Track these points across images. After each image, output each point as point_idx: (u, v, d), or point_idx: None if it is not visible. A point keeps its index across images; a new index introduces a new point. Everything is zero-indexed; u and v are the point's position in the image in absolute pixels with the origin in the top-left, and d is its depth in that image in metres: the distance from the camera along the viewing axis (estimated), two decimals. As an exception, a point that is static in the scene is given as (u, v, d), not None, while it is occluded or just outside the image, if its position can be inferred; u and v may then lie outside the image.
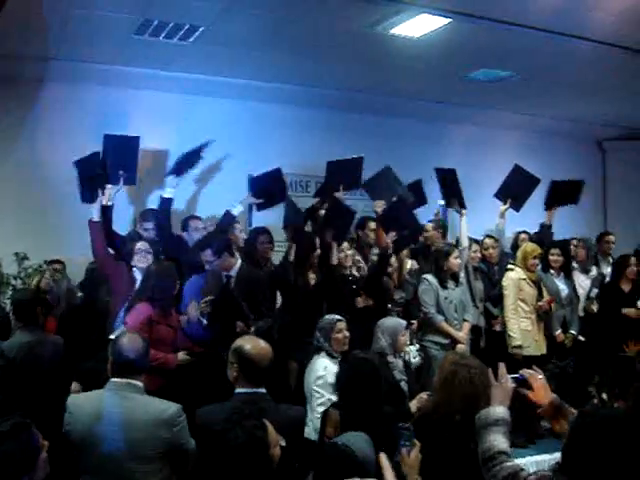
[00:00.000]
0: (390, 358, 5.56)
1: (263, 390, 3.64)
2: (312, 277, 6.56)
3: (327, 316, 5.52)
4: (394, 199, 7.40)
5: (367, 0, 5.83)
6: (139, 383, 3.67)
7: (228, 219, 7.12)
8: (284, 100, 8.69)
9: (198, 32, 6.58)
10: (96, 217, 6.17)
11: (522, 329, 7.24)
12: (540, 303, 7.38)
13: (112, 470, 3.44)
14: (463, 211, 7.64)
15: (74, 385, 4.72)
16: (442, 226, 8.25)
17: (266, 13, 6.15)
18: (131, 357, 3.65)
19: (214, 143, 7.71)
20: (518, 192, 8.00)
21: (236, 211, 7.18)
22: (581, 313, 7.99)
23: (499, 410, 2.91)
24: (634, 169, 11.05)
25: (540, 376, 3.25)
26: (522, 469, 2.70)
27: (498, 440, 2.80)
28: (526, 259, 7.39)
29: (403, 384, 5.57)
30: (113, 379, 3.66)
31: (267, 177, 7.44)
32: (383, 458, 2.44)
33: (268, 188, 7.41)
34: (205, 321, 5.75)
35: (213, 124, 8.22)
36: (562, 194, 8.33)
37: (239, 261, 6.10)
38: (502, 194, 8.08)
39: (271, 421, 2.93)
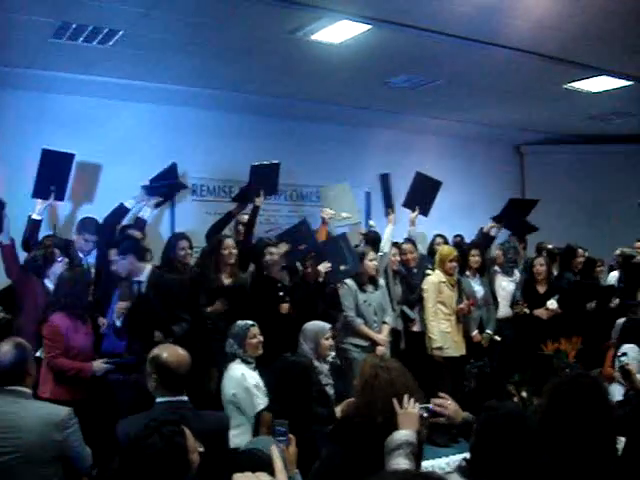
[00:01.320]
0: (315, 362, 5.54)
1: (184, 397, 3.61)
2: (227, 280, 6.52)
3: (239, 322, 5.45)
4: (343, 215, 7.56)
5: (287, 6, 5.84)
6: (23, 389, 3.69)
7: (120, 211, 7.04)
8: (205, 105, 8.66)
9: (117, 36, 6.47)
10: (6, 240, 6.00)
11: (442, 331, 7.36)
12: (461, 306, 7.51)
13: (6, 477, 3.42)
14: (391, 217, 7.81)
15: None
16: None
17: (186, 17, 6.09)
18: (6, 365, 3.66)
19: (136, 150, 7.65)
20: (424, 198, 8.25)
21: (129, 204, 7.09)
22: (501, 314, 8.15)
23: (402, 434, 3.04)
24: (551, 172, 11.36)
25: (449, 401, 3.42)
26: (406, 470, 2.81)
27: (399, 463, 2.92)
28: (443, 262, 7.51)
29: (329, 388, 5.57)
30: None
31: (163, 174, 7.51)
32: (274, 450, 2.48)
33: (164, 185, 7.47)
34: (119, 323, 5.65)
35: (134, 129, 8.15)
36: (517, 211, 8.63)
37: (149, 266, 6.00)
38: (409, 202, 8.30)
39: (193, 429, 2.91)
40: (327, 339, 5.67)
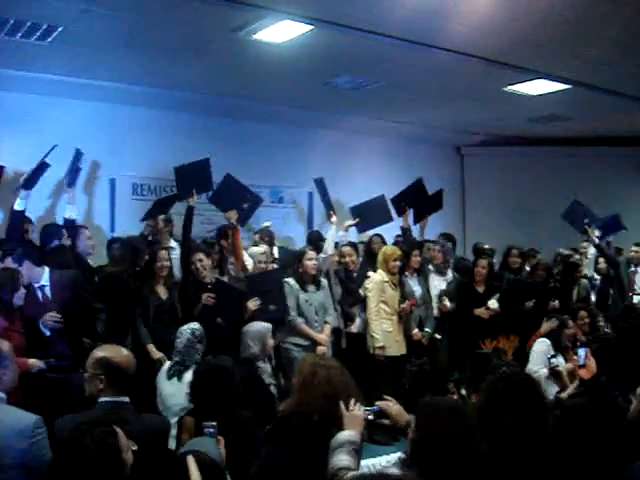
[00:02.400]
0: (260, 363, 5.56)
1: (126, 399, 3.58)
2: (163, 291, 6.49)
3: (193, 325, 5.39)
4: (245, 205, 7.48)
5: (229, 5, 5.82)
6: None
7: (17, 218, 6.85)
8: (146, 103, 8.59)
9: (56, 32, 6.38)
10: None
11: (384, 330, 7.38)
12: (403, 305, 7.55)
13: None
14: (333, 219, 7.81)
15: None
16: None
17: (126, 15, 6.03)
18: None
19: (73, 148, 7.52)
20: (370, 218, 8.24)
21: (18, 206, 6.85)
22: (436, 313, 8.20)
23: (345, 434, 3.09)
24: (490, 173, 11.55)
25: (391, 403, 3.48)
26: (362, 474, 2.87)
27: (341, 459, 2.97)
28: (387, 262, 7.53)
29: (272, 388, 5.59)
30: None
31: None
32: (190, 460, 2.50)
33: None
34: (48, 332, 5.57)
35: (73, 127, 8.04)
36: (424, 205, 8.69)
37: (46, 269, 5.87)
38: (356, 211, 8.28)
39: (134, 430, 2.88)
40: (271, 339, 5.70)
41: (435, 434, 2.87)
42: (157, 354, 6.08)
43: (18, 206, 6.83)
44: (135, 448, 2.61)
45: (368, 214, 8.27)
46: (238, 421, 3.84)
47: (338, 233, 8.09)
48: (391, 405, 3.47)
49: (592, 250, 9.30)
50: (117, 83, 7.97)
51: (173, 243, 7.47)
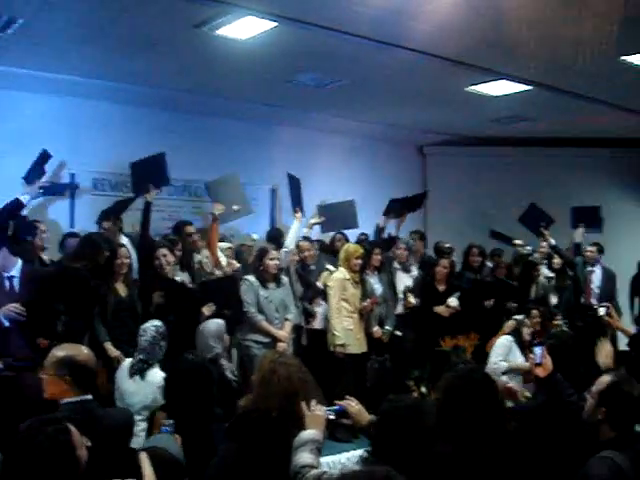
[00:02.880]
0: (223, 361, 5.58)
1: (90, 397, 3.54)
2: (122, 289, 6.43)
3: (155, 323, 5.36)
4: (234, 207, 7.51)
5: (192, 0, 5.80)
6: None
7: (16, 206, 6.85)
8: (107, 98, 8.50)
9: (17, 24, 6.27)
10: None
11: (345, 328, 7.41)
12: (365, 303, 7.58)
13: None
14: (298, 215, 7.87)
15: None
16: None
17: (89, 7, 5.96)
18: None
19: (36, 142, 7.43)
20: (337, 220, 8.31)
21: (24, 199, 6.90)
22: (401, 310, 8.24)
23: (308, 433, 3.14)
24: (452, 173, 11.63)
25: (354, 403, 3.55)
26: (325, 472, 2.95)
27: (303, 457, 3.02)
28: (349, 260, 7.57)
29: (234, 385, 5.58)
30: None
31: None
32: (143, 457, 2.50)
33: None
34: (7, 323, 5.50)
35: (32, 121, 7.94)
36: (405, 205, 8.84)
37: (20, 261, 5.83)
38: (323, 210, 8.33)
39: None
40: (225, 333, 5.71)
41: (394, 432, 2.90)
42: (114, 352, 6.04)
43: (23, 198, 6.88)
44: (89, 444, 2.59)
45: (335, 216, 8.32)
46: (213, 418, 3.85)
47: (303, 229, 8.12)
48: (352, 405, 3.51)
49: (528, 247, 9.48)
50: (78, 77, 7.85)
51: (124, 239, 7.39)
